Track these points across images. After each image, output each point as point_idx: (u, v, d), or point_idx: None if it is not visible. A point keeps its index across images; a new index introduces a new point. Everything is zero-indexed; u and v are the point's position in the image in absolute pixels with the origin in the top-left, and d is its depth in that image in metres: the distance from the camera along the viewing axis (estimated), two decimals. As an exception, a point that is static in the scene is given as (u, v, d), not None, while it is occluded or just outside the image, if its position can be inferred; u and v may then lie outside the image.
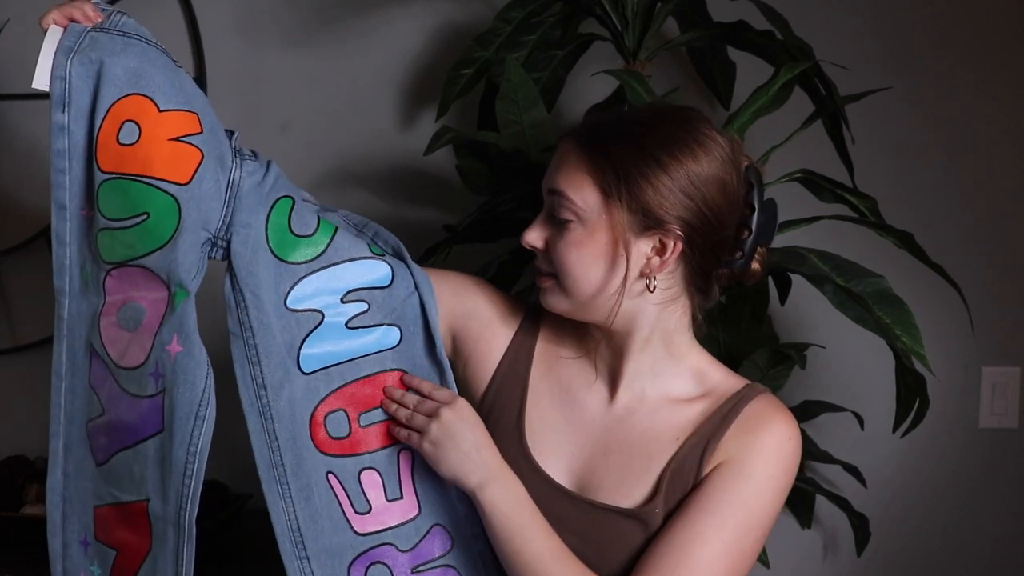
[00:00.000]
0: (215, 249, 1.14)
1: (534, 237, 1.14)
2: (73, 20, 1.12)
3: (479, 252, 1.73)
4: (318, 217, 1.18)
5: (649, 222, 1.08)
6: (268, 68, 1.94)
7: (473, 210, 1.60)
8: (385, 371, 1.18)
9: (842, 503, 1.67)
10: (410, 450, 1.16)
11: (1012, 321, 1.91)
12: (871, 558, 1.78)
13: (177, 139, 1.10)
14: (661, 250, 1.09)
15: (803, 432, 1.71)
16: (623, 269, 1.09)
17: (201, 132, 1.11)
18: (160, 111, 1.09)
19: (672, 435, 1.12)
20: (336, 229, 1.18)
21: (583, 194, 1.09)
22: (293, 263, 1.15)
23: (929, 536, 1.94)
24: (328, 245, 1.17)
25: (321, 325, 1.15)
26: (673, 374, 1.15)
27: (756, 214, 1.12)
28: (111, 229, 1.11)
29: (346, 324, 1.16)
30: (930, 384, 1.42)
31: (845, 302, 1.37)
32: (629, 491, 1.11)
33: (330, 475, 1.14)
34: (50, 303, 2.01)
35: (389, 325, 1.18)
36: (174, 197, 1.09)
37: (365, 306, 1.17)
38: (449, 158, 1.78)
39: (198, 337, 1.10)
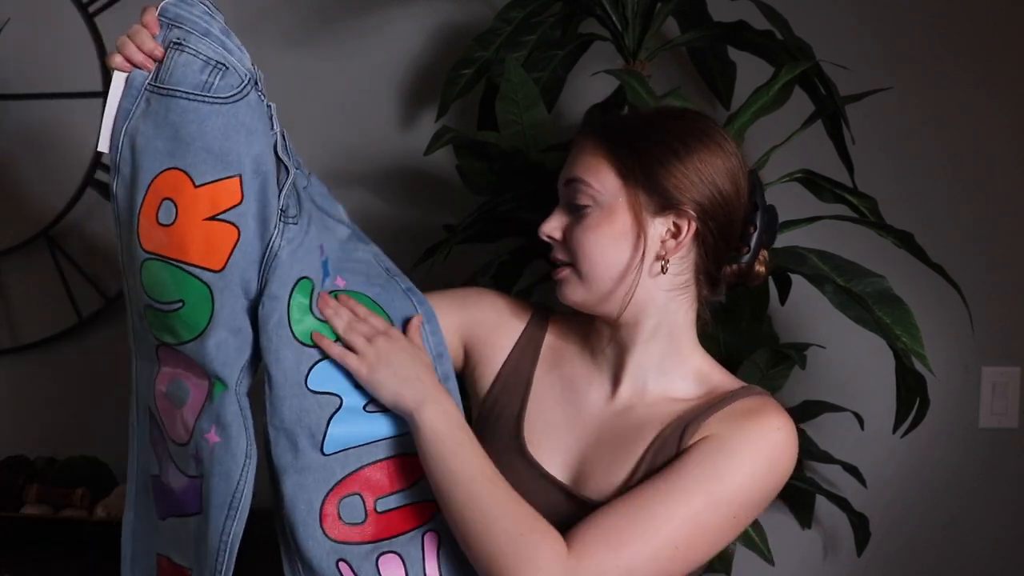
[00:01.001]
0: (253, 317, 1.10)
1: (552, 227, 1.16)
2: (135, 63, 1.08)
3: (479, 252, 1.73)
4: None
5: (665, 203, 1.11)
6: (268, 68, 1.93)
7: (473, 210, 1.60)
8: (404, 455, 1.13)
9: (842, 503, 1.67)
10: (436, 532, 1.12)
11: (1012, 321, 1.91)
12: (871, 558, 1.78)
13: (214, 217, 1.06)
14: (676, 232, 1.12)
15: (803, 432, 1.73)
16: (640, 250, 1.12)
17: (241, 202, 1.06)
18: (196, 187, 1.05)
19: (659, 422, 1.13)
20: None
21: (601, 178, 1.12)
22: (310, 346, 1.11)
23: (929, 536, 1.94)
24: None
25: (340, 409, 1.11)
26: (678, 374, 1.16)
27: (760, 212, 1.16)
28: (155, 309, 1.09)
29: (363, 408, 1.12)
30: (930, 384, 1.42)
31: (845, 302, 1.37)
32: (613, 478, 1.11)
33: (341, 563, 1.09)
34: (50, 303, 2.01)
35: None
36: (208, 286, 1.06)
37: None
38: (449, 158, 1.78)
39: (238, 428, 1.08)
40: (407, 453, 1.13)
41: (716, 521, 1.06)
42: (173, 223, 1.05)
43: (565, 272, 1.15)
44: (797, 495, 1.81)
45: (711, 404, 1.12)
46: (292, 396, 1.09)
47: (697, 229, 1.12)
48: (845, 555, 1.93)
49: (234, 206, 1.06)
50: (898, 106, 1.83)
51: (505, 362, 1.23)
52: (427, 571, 1.11)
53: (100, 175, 1.96)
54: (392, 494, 1.12)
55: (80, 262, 1.99)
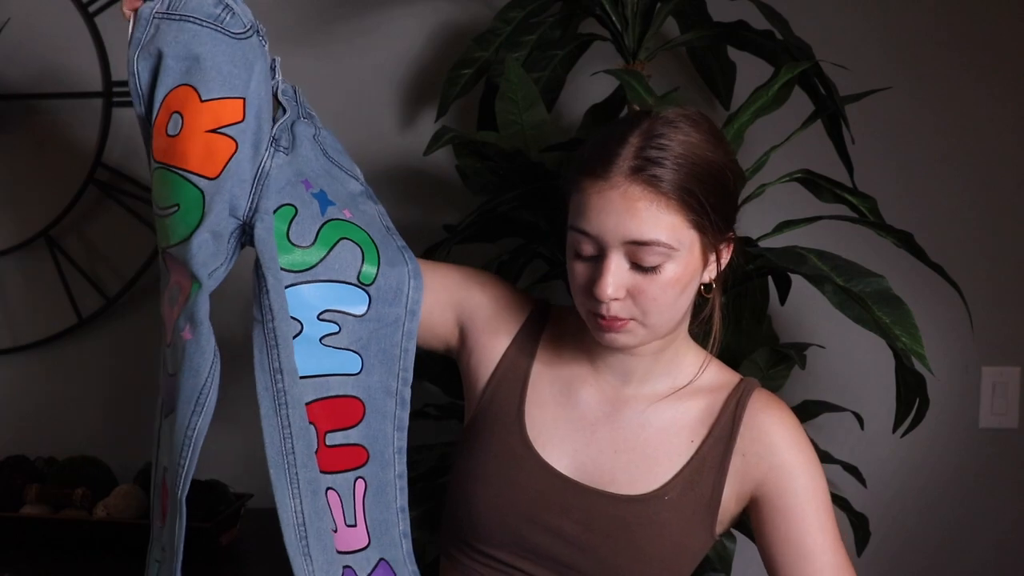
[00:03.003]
0: (244, 236, 1.16)
1: (616, 291, 1.07)
2: (135, 8, 1.15)
3: (479, 252, 1.73)
4: (319, 230, 1.18)
5: (720, 235, 1.11)
6: (268, 68, 1.94)
7: (473, 210, 1.60)
8: (347, 396, 1.18)
9: (842, 503, 1.67)
10: (364, 479, 1.17)
11: (1012, 321, 1.91)
12: (871, 558, 1.78)
13: (214, 130, 1.14)
14: (718, 257, 1.13)
15: (803, 432, 1.73)
16: (699, 284, 1.12)
17: (242, 120, 1.14)
18: (201, 101, 1.13)
19: (686, 436, 1.16)
20: (335, 244, 1.18)
21: (674, 232, 1.05)
22: (286, 270, 1.16)
23: (929, 536, 1.94)
24: (319, 261, 1.17)
25: (300, 335, 1.15)
26: (679, 372, 1.18)
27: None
28: (158, 216, 1.17)
29: (320, 340, 1.17)
30: (930, 384, 1.42)
31: (845, 302, 1.37)
32: (644, 484, 1.13)
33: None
34: (50, 303, 2.01)
35: (352, 352, 1.19)
36: (201, 191, 1.13)
37: (336, 328, 1.18)
38: (449, 158, 1.78)
39: (208, 328, 1.12)
40: (350, 395, 1.18)
41: (833, 513, 1.17)
42: (178, 133, 1.13)
43: (628, 323, 1.09)
44: (797, 495, 1.81)
45: (725, 411, 1.16)
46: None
47: (733, 244, 1.14)
48: (845, 555, 1.93)
49: (235, 123, 1.14)
50: (898, 106, 1.83)
51: (503, 356, 1.22)
52: (356, 515, 1.17)
53: (100, 175, 1.96)
54: (339, 430, 1.17)
55: (80, 262, 1.99)
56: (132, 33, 1.16)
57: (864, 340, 1.49)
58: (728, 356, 1.57)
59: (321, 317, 1.17)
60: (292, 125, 1.21)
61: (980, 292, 1.72)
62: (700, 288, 1.13)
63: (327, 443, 1.16)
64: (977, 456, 1.93)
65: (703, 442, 1.15)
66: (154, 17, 1.15)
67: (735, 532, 1.57)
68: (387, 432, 1.21)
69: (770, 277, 1.58)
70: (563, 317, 1.24)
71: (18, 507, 1.79)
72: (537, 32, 1.71)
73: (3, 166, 2.01)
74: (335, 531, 1.15)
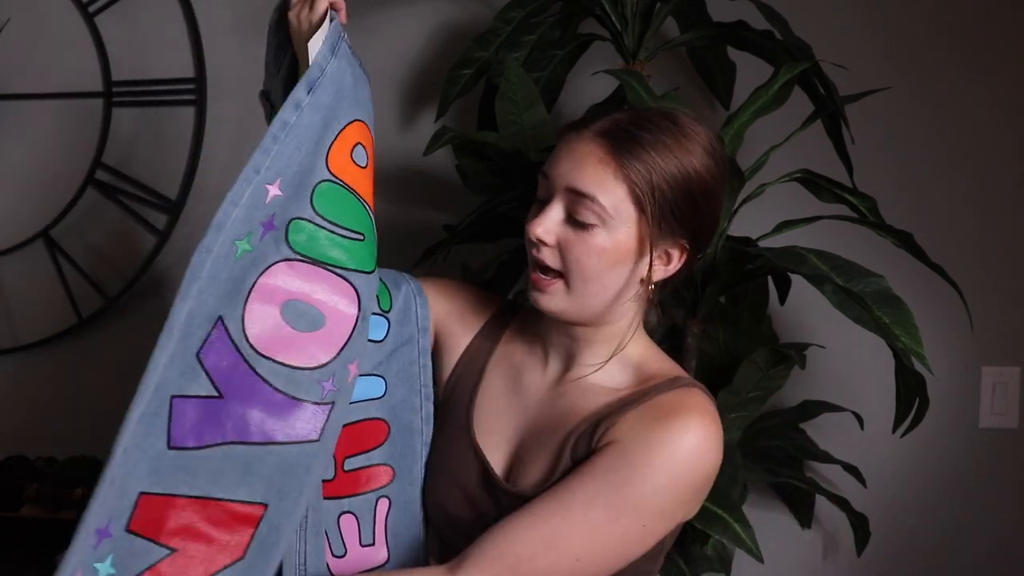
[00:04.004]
0: None
1: (546, 232, 1.09)
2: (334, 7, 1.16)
3: (479, 252, 1.73)
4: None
5: (671, 237, 1.10)
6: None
7: (473, 210, 1.60)
8: (370, 419, 1.19)
9: (842, 503, 1.67)
10: (388, 499, 1.18)
11: (1012, 321, 1.91)
12: (871, 558, 1.78)
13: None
14: (667, 260, 1.12)
15: (803, 432, 1.73)
16: (635, 274, 1.11)
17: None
18: (373, 140, 1.18)
19: (582, 414, 1.12)
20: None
21: (615, 201, 1.06)
22: None
23: (929, 536, 1.94)
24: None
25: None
26: (618, 366, 1.15)
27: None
28: (320, 227, 1.11)
29: None
30: (930, 384, 1.42)
31: (845, 302, 1.37)
32: (538, 470, 1.12)
33: (311, 511, 1.15)
34: (49, 303, 2.01)
35: (376, 376, 1.20)
36: (376, 236, 1.16)
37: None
38: (449, 158, 1.78)
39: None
40: (374, 418, 1.19)
41: (619, 532, 1.05)
42: (365, 167, 1.15)
43: (556, 284, 1.10)
44: (797, 495, 1.81)
45: (633, 397, 1.11)
46: None
47: (687, 256, 1.12)
48: (845, 555, 1.93)
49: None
50: (898, 106, 1.83)
51: (464, 351, 1.25)
52: (375, 534, 1.17)
53: (100, 175, 1.96)
54: (359, 454, 1.17)
55: (80, 262, 1.99)
56: (329, 32, 1.12)
57: (864, 340, 1.48)
58: (728, 356, 1.57)
59: None
60: None
61: (980, 292, 1.71)
62: (640, 281, 1.11)
63: (345, 468, 1.16)
64: (977, 456, 1.93)
65: (585, 418, 1.11)
66: (343, 39, 1.14)
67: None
68: (415, 448, 1.21)
69: (770, 277, 1.58)
70: (529, 312, 1.25)
71: (18, 507, 1.79)
72: (537, 32, 1.71)
73: (3, 166, 2.01)
74: (342, 556, 1.15)
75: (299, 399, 1.08)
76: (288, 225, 1.09)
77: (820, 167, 1.58)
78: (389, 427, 1.20)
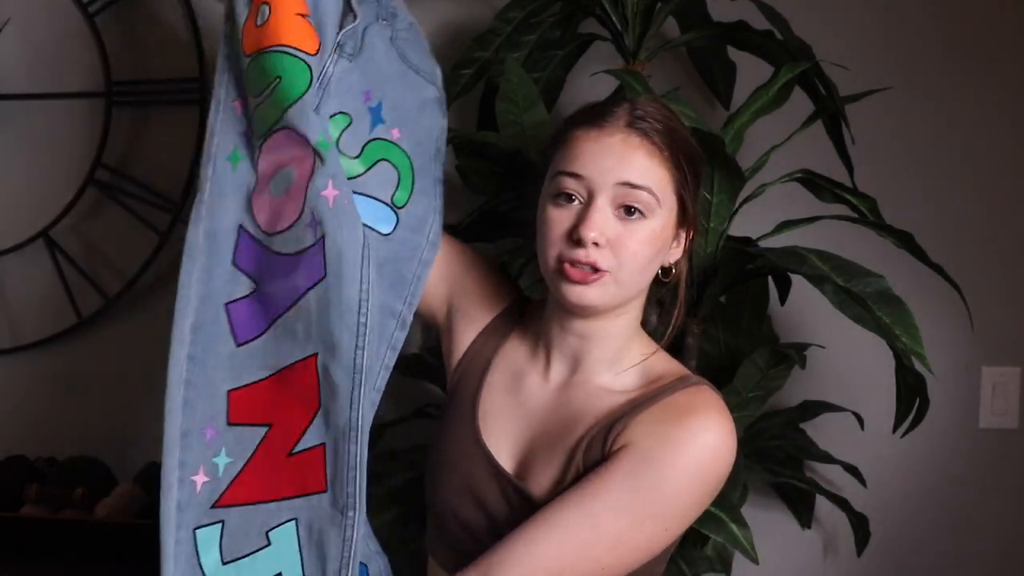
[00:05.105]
0: None
1: (600, 234, 1.08)
2: None
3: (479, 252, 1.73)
4: (364, 146, 1.22)
5: (688, 218, 1.14)
6: (268, 68, 1.94)
7: (473, 210, 1.60)
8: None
9: (842, 503, 1.67)
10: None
11: (1012, 321, 1.91)
12: (871, 558, 1.78)
13: (302, 15, 1.17)
14: (678, 243, 1.16)
15: (803, 432, 1.73)
16: (660, 261, 1.15)
17: (309, 14, 1.18)
18: None
19: (592, 417, 1.12)
20: (375, 163, 1.22)
21: (662, 188, 1.10)
22: None
23: (929, 536, 1.94)
24: (360, 175, 1.21)
25: None
26: (624, 365, 1.16)
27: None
28: (258, 106, 1.18)
29: None
30: (930, 384, 1.42)
31: (845, 302, 1.37)
32: (550, 473, 1.11)
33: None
34: (50, 303, 2.01)
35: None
36: (305, 62, 1.15)
37: None
38: (449, 158, 1.78)
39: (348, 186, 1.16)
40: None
41: (645, 537, 1.05)
42: (268, 18, 1.16)
43: (603, 276, 1.09)
44: (797, 495, 1.81)
45: (644, 398, 1.10)
46: None
47: (689, 238, 1.16)
48: (845, 555, 1.93)
49: (308, 16, 1.18)
50: (898, 106, 1.83)
51: (473, 342, 1.25)
52: None
53: (100, 175, 1.96)
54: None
55: (80, 262, 1.99)
56: None
57: (864, 340, 1.48)
58: (728, 356, 1.57)
59: None
60: (364, 30, 1.22)
61: (980, 292, 1.71)
62: (659, 272, 1.15)
63: None
64: (977, 456, 1.93)
65: (598, 420, 1.11)
66: None
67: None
68: (381, 350, 1.22)
69: (770, 277, 1.58)
70: (535, 310, 1.25)
71: (18, 507, 1.79)
72: (537, 32, 1.71)
73: (3, 166, 2.01)
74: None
75: (300, 252, 1.15)
76: (252, 122, 1.19)
77: (820, 167, 1.58)
78: None
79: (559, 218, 1.11)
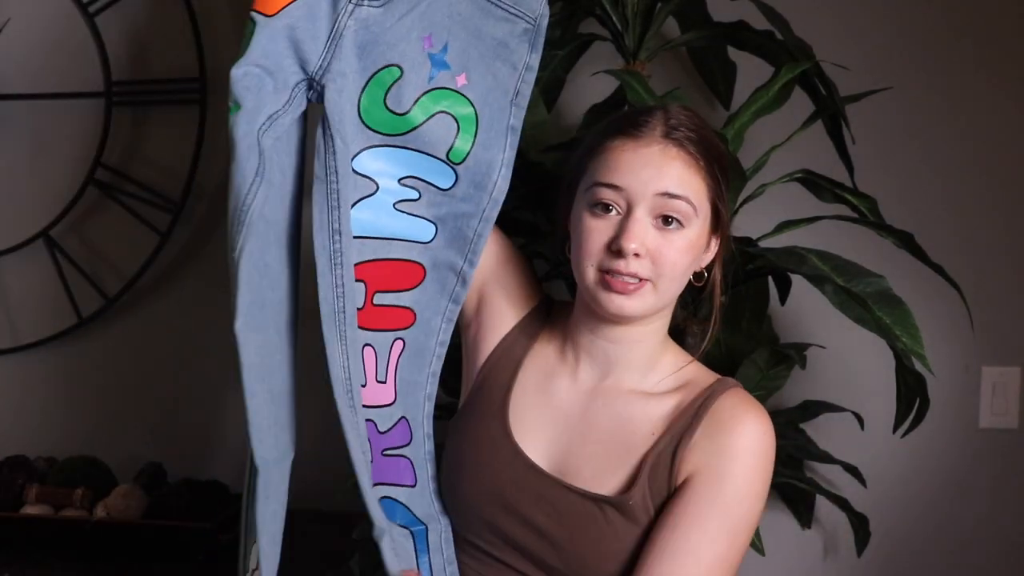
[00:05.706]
0: (311, 91, 1.15)
1: (640, 245, 1.10)
2: None
3: (479, 252, 1.73)
4: (419, 98, 1.17)
5: (720, 225, 1.16)
6: (268, 68, 1.94)
7: (473, 210, 1.60)
8: (410, 260, 1.21)
9: (842, 503, 1.67)
10: (404, 340, 1.21)
11: (1012, 321, 1.91)
12: (871, 558, 1.78)
13: None
14: (708, 248, 1.17)
15: (803, 432, 1.73)
16: (695, 268, 1.16)
17: None
18: None
19: (648, 429, 1.15)
20: (431, 116, 1.18)
21: (700, 200, 1.12)
22: (372, 130, 1.16)
23: (929, 536, 1.94)
24: (412, 130, 1.18)
25: (372, 196, 1.18)
26: (657, 369, 1.19)
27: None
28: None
29: (394, 205, 1.20)
30: (930, 384, 1.42)
31: (845, 302, 1.37)
32: (605, 480, 1.13)
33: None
34: (50, 303, 2.01)
35: (429, 221, 1.22)
36: (254, 24, 1.11)
37: (416, 195, 1.20)
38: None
39: (247, 146, 1.10)
40: (413, 260, 1.21)
41: (739, 545, 1.11)
42: None
43: (643, 286, 1.12)
44: (797, 495, 1.81)
45: (692, 407, 1.14)
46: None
47: (720, 244, 1.18)
48: (845, 555, 1.93)
49: None
50: (899, 106, 1.83)
51: (500, 341, 1.24)
52: (388, 373, 1.21)
53: (100, 175, 1.96)
54: (390, 292, 1.21)
55: (80, 262, 1.99)
56: None
57: (864, 340, 1.48)
58: (728, 356, 1.57)
59: (403, 182, 1.19)
60: None
61: (980, 292, 1.71)
62: (691, 278, 1.17)
63: (374, 302, 1.20)
64: (977, 456, 1.93)
65: (660, 436, 1.14)
66: None
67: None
68: (441, 304, 1.23)
69: (770, 277, 1.58)
70: (561, 311, 1.26)
71: (18, 507, 1.79)
72: (537, 32, 1.70)
73: (3, 166, 2.01)
74: (363, 386, 1.18)
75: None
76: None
77: (820, 167, 1.58)
78: (425, 274, 1.22)
79: (598, 228, 1.12)
